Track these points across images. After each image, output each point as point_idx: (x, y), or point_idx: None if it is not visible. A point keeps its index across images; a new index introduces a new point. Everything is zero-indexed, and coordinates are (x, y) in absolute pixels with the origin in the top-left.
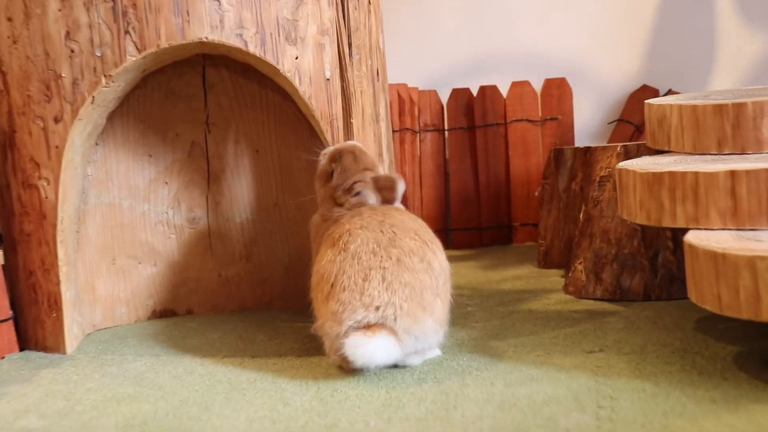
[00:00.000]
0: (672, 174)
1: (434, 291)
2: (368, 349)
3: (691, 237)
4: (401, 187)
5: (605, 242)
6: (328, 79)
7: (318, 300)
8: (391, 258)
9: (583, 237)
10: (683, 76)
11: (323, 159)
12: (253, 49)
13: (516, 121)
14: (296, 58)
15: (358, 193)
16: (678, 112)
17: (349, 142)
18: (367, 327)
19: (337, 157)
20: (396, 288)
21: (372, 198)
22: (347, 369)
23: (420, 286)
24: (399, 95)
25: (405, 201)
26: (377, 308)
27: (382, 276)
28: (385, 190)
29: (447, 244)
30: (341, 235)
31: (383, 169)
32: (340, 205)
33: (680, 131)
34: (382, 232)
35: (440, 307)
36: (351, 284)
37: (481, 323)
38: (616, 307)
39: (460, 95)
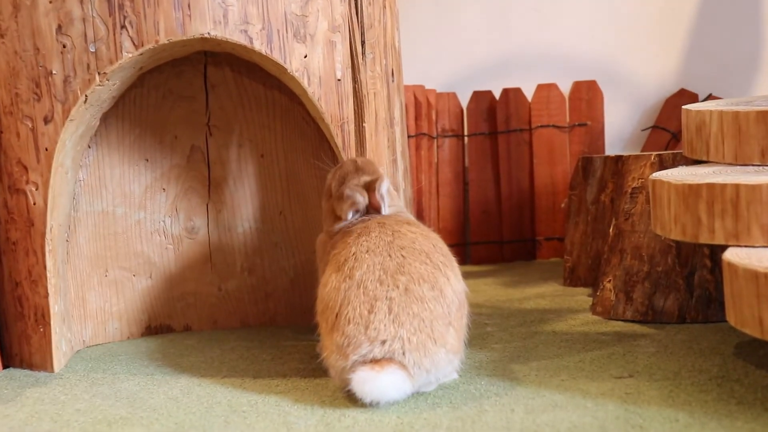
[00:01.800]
0: (711, 186)
1: (446, 320)
2: (377, 385)
3: (731, 255)
4: (382, 188)
5: (637, 259)
6: (339, 80)
7: (323, 329)
8: (398, 287)
9: (613, 253)
10: (725, 80)
11: (329, 176)
12: (259, 46)
13: (541, 126)
14: (305, 56)
15: (347, 197)
16: (718, 119)
17: (352, 158)
18: (375, 361)
19: (337, 169)
20: (403, 320)
21: (360, 199)
22: (345, 392)
23: (430, 317)
24: (415, 98)
25: (420, 212)
26: (383, 342)
27: (389, 307)
28: (369, 191)
29: (465, 259)
30: (347, 259)
31: (396, 176)
32: (339, 218)
33: (720, 140)
34: (390, 256)
35: (453, 337)
36: (356, 316)
37: (501, 345)
38: (648, 330)
39: (481, 98)
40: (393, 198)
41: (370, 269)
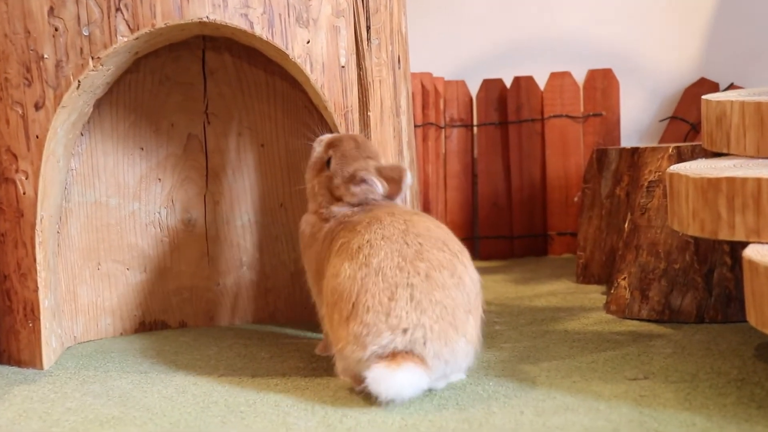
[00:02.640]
0: (731, 180)
1: (467, 308)
2: (394, 383)
3: (752, 252)
4: (408, 180)
5: (653, 256)
6: (343, 67)
7: (335, 321)
8: (419, 273)
9: (628, 249)
10: (747, 68)
11: (318, 146)
12: (260, 31)
13: (554, 116)
14: (308, 42)
15: (363, 181)
16: (740, 110)
17: (349, 133)
18: (392, 356)
19: (335, 143)
20: (426, 307)
21: (379, 188)
22: (358, 390)
23: (452, 305)
24: (422, 86)
25: (427, 205)
26: (405, 331)
27: (410, 294)
28: (390, 181)
29: (474, 254)
30: (360, 246)
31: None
32: (339, 199)
33: (742, 131)
34: (407, 243)
35: (473, 326)
36: (376, 304)
37: (511, 344)
38: (664, 330)
39: (491, 87)
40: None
41: (387, 256)
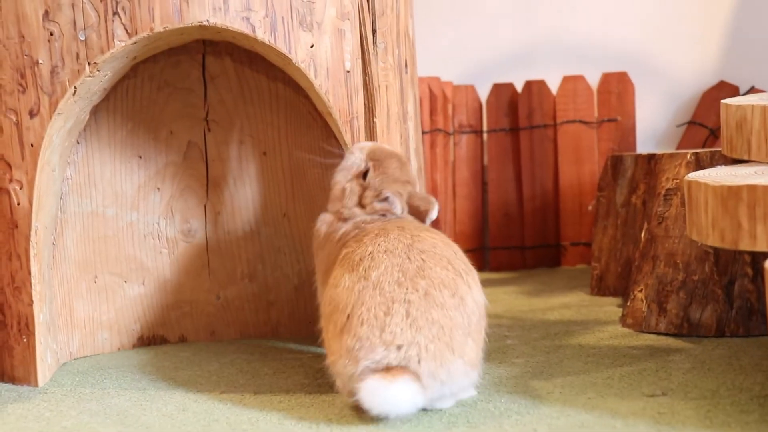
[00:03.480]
0: (752, 188)
1: (466, 331)
2: (387, 396)
3: None
4: (434, 215)
5: (671, 267)
6: (348, 72)
7: (330, 332)
8: (417, 290)
9: (645, 260)
10: None
11: (357, 152)
12: (262, 35)
13: (567, 122)
14: (311, 46)
15: (385, 199)
16: (761, 115)
17: (388, 147)
18: (387, 369)
19: (378, 156)
20: (422, 325)
21: (398, 209)
22: (351, 403)
23: (450, 325)
24: (430, 90)
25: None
26: (399, 347)
27: (407, 311)
28: (416, 211)
29: (484, 265)
30: (362, 258)
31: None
32: (362, 206)
33: (763, 137)
34: (409, 258)
35: (472, 349)
36: (370, 318)
37: (523, 359)
38: (683, 344)
39: (501, 91)
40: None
41: (387, 270)
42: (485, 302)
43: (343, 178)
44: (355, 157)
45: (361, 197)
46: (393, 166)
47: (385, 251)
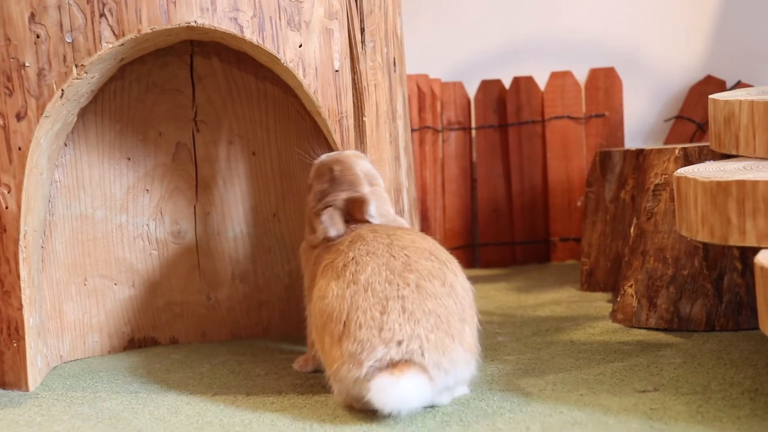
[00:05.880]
0: (741, 183)
1: (461, 317)
2: (398, 391)
3: (764, 258)
4: (371, 210)
5: (660, 262)
6: (336, 71)
7: (327, 343)
8: (409, 284)
9: (635, 255)
10: (755, 66)
11: (311, 171)
12: (250, 35)
13: (556, 118)
14: (300, 45)
15: (323, 226)
16: (749, 110)
17: (345, 152)
18: (393, 365)
19: (317, 172)
20: (419, 318)
21: (334, 233)
22: (357, 408)
23: (445, 313)
24: (419, 88)
25: (425, 212)
26: (399, 343)
27: (402, 306)
28: (355, 211)
29: (473, 262)
30: (346, 264)
31: (399, 175)
32: (313, 230)
33: (751, 132)
34: (393, 256)
35: (469, 334)
36: (368, 320)
37: (514, 356)
38: (674, 339)
39: (489, 88)
40: (384, 203)
41: (375, 271)
42: (472, 288)
43: (306, 205)
44: (309, 178)
45: (309, 219)
46: (324, 180)
47: (368, 253)
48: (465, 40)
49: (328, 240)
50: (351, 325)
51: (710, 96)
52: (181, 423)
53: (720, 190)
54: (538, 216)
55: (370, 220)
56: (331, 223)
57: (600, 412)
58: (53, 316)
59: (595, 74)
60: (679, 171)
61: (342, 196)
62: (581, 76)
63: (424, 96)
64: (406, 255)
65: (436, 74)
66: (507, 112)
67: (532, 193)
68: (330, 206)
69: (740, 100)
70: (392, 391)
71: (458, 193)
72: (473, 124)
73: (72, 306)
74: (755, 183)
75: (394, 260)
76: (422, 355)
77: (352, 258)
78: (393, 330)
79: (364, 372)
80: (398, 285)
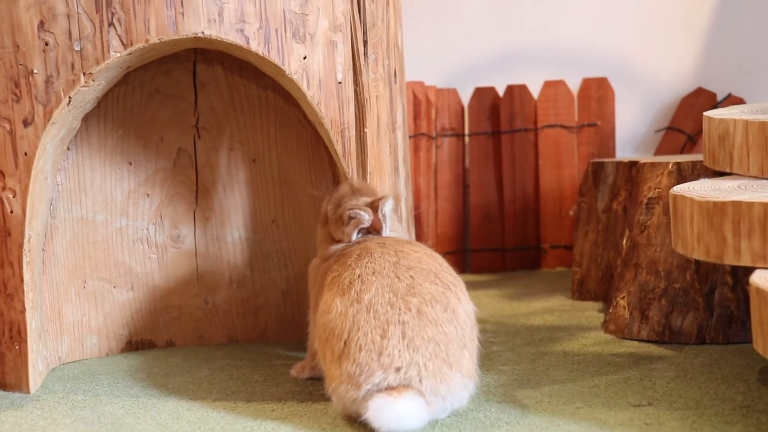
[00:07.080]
0: (737, 204)
1: (461, 343)
2: (395, 412)
3: (758, 278)
4: (387, 206)
5: (653, 274)
6: (339, 83)
7: (328, 358)
8: (410, 310)
9: (627, 267)
10: (747, 79)
11: (324, 202)
12: (256, 46)
13: (548, 126)
14: (304, 57)
15: (350, 218)
16: (743, 129)
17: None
18: (392, 387)
19: (332, 193)
20: (418, 345)
21: (366, 217)
22: (357, 421)
23: (445, 341)
24: (414, 95)
25: (418, 217)
26: (398, 369)
27: (402, 332)
28: (373, 209)
29: (465, 267)
30: (352, 281)
31: (398, 185)
32: (339, 241)
33: (745, 152)
34: (398, 277)
35: (468, 360)
36: (368, 342)
37: (510, 366)
38: (665, 351)
39: (483, 95)
40: (394, 222)
41: (379, 292)
42: (474, 310)
43: (318, 228)
44: (323, 207)
45: (331, 235)
46: (343, 189)
47: (373, 272)
48: (460, 47)
49: (358, 231)
50: (351, 345)
51: (705, 113)
52: (183, 429)
53: (716, 210)
54: (530, 223)
55: (382, 220)
56: (361, 210)
57: (596, 427)
58: (52, 317)
59: (587, 84)
60: (674, 189)
61: (364, 199)
62: (574, 85)
63: (420, 103)
64: (411, 277)
65: (431, 81)
66: (500, 119)
67: (524, 201)
68: (353, 207)
69: (735, 119)
70: (390, 412)
71: (451, 198)
72: (467, 131)
73: (71, 308)
74: (751, 204)
75: (398, 282)
76: (420, 382)
77: (359, 276)
78: (392, 356)
79: (362, 394)
80: (400, 309)
